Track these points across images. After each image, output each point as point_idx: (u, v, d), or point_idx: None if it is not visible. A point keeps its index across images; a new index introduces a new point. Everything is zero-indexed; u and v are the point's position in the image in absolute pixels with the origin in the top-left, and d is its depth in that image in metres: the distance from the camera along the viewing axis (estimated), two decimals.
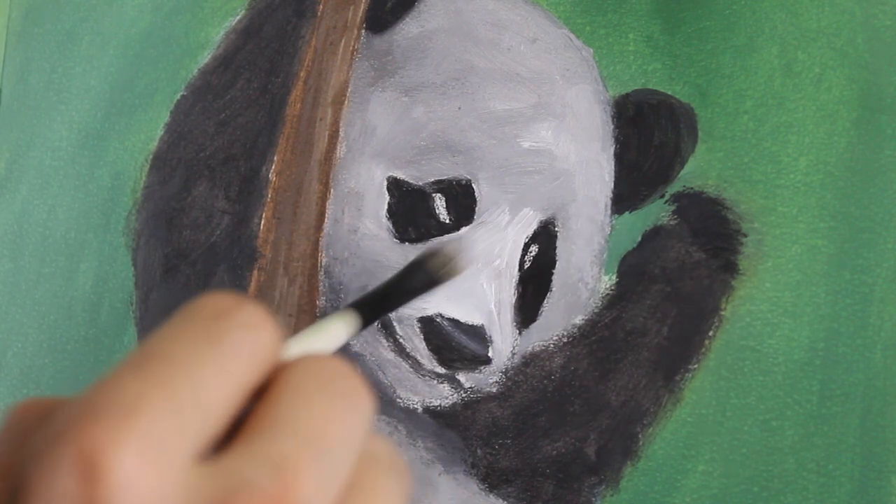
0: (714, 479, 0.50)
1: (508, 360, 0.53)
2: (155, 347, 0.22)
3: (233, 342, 0.22)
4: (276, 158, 0.57)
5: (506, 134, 0.53)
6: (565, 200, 0.53)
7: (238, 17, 0.60)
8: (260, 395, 0.23)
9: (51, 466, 0.20)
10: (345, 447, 0.22)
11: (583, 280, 0.53)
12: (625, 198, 0.54)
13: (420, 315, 0.52)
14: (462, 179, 0.53)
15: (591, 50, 0.55)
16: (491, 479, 0.52)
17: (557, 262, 0.53)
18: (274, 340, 0.23)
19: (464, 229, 0.53)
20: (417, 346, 0.52)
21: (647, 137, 0.53)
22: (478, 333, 0.52)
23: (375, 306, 0.32)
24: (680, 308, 0.52)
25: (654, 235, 0.53)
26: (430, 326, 0.52)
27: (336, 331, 0.29)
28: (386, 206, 0.54)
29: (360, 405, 0.23)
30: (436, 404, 0.53)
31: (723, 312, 0.51)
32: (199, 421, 0.21)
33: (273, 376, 0.23)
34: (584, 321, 0.53)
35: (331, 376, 0.23)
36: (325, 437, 0.22)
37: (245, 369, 0.22)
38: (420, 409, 0.53)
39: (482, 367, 0.52)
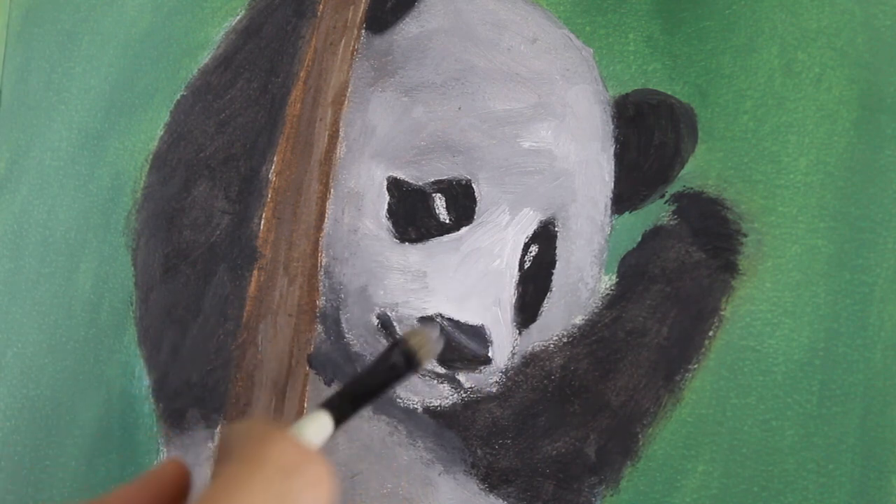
0: (714, 479, 0.50)
1: (508, 360, 0.53)
2: (231, 501, 0.23)
3: (304, 500, 0.24)
4: (276, 158, 0.57)
5: (506, 134, 0.53)
6: (565, 200, 0.53)
7: (238, 17, 0.60)
8: None
9: None
10: None
11: (583, 280, 0.53)
12: (625, 198, 0.54)
13: (420, 315, 0.52)
14: (462, 179, 0.53)
15: (591, 50, 0.55)
16: (491, 479, 0.52)
17: (557, 262, 0.53)
18: (331, 494, 0.25)
19: (464, 229, 0.53)
20: None
21: (647, 137, 0.53)
22: (478, 333, 0.52)
23: (350, 402, 0.32)
24: (680, 308, 0.52)
25: (654, 235, 0.53)
26: (430, 326, 0.52)
27: (314, 431, 0.29)
28: (386, 206, 0.54)
29: None
30: (436, 404, 0.53)
31: (723, 312, 0.51)
32: None
33: None
34: (584, 321, 0.53)
35: None
36: None
37: None
38: (420, 409, 0.53)
39: (482, 367, 0.52)
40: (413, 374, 0.37)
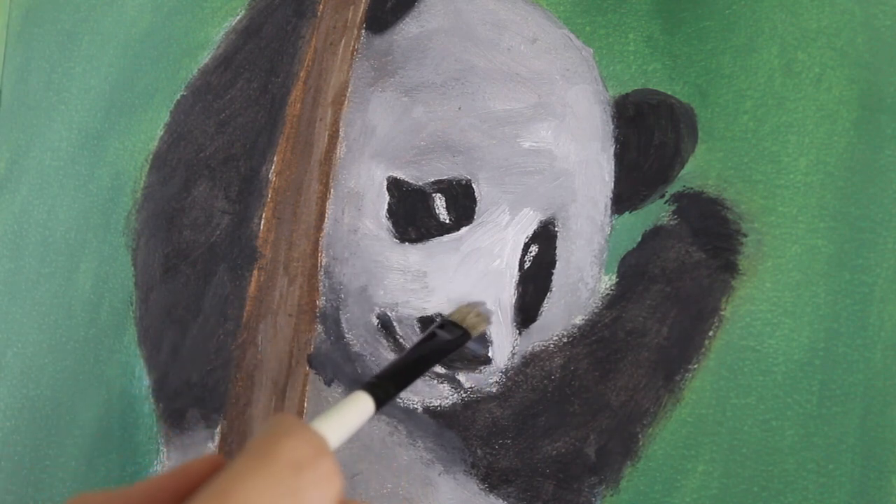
0: (714, 479, 0.50)
1: (508, 360, 0.53)
2: (237, 496, 0.23)
3: (309, 498, 0.24)
4: (276, 158, 0.57)
5: (506, 134, 0.53)
6: (565, 200, 0.53)
7: (238, 17, 0.60)
8: None
9: None
10: None
11: (583, 280, 0.53)
12: (625, 198, 0.54)
13: (420, 315, 0.52)
14: (462, 179, 0.53)
15: (591, 50, 0.55)
16: (491, 479, 0.52)
17: (557, 262, 0.53)
18: (339, 491, 0.25)
19: (464, 229, 0.53)
20: None
21: (647, 137, 0.53)
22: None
23: (391, 379, 0.32)
24: (680, 308, 0.52)
25: (654, 235, 0.53)
26: (430, 326, 0.52)
27: (359, 412, 0.29)
28: (386, 206, 0.54)
29: None
30: (436, 404, 0.53)
31: (723, 312, 0.51)
32: None
33: None
34: (584, 321, 0.53)
35: None
36: None
37: None
38: (420, 409, 0.53)
39: (482, 367, 0.52)
40: (463, 343, 0.36)
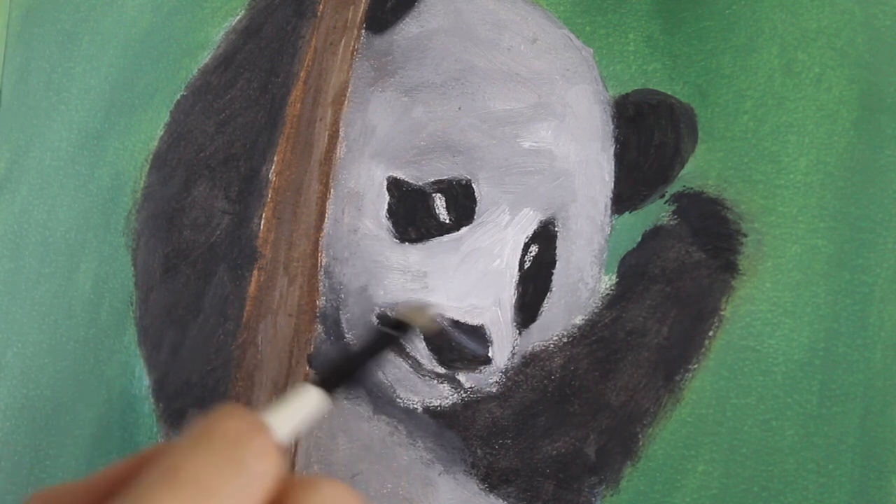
0: (714, 479, 0.50)
1: (508, 360, 0.53)
2: (184, 470, 0.24)
3: (254, 469, 0.25)
4: (276, 158, 0.57)
5: (506, 134, 0.53)
6: (565, 200, 0.53)
7: (238, 17, 0.60)
8: None
9: None
10: None
11: (583, 280, 0.53)
12: (625, 198, 0.54)
13: None
14: (462, 179, 0.53)
15: (591, 50, 0.55)
16: (491, 479, 0.52)
17: (557, 262, 0.53)
18: (280, 462, 0.26)
19: (464, 229, 0.53)
20: (417, 346, 0.52)
21: (647, 137, 0.53)
22: (478, 333, 0.52)
23: (341, 372, 0.33)
24: (680, 308, 0.52)
25: (654, 235, 0.53)
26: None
27: (308, 405, 0.30)
28: (386, 206, 0.54)
29: None
30: (436, 404, 0.53)
31: (723, 312, 0.51)
32: None
33: (297, 492, 0.26)
34: (584, 321, 0.53)
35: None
36: None
37: (261, 493, 0.25)
38: (420, 409, 0.53)
39: (482, 367, 0.52)
40: (401, 337, 0.37)
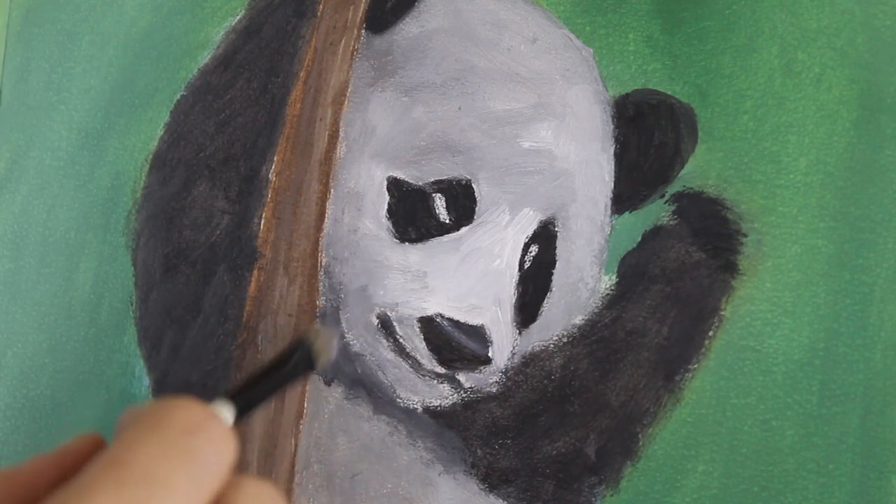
0: (714, 479, 0.50)
1: (508, 360, 0.53)
2: (132, 463, 0.23)
3: (204, 460, 0.24)
4: (276, 158, 0.57)
5: (506, 134, 0.53)
6: (565, 200, 0.53)
7: (238, 17, 0.60)
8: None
9: None
10: None
11: (583, 280, 0.53)
12: (625, 198, 0.54)
13: (420, 315, 0.52)
14: (462, 179, 0.53)
15: (591, 50, 0.55)
16: (491, 479, 0.52)
17: (557, 262, 0.53)
18: (234, 453, 0.25)
19: (464, 229, 0.53)
20: (417, 346, 0.52)
21: (647, 137, 0.53)
22: (478, 333, 0.52)
23: (250, 394, 0.32)
24: (680, 308, 0.52)
25: (654, 235, 0.53)
26: (430, 326, 0.52)
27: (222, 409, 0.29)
28: (386, 206, 0.54)
29: None
30: (436, 404, 0.53)
31: (723, 312, 0.51)
32: None
33: (225, 490, 0.25)
34: (584, 321, 0.53)
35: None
36: None
37: (213, 485, 0.24)
38: (420, 409, 0.53)
39: (482, 367, 0.52)
40: (306, 376, 0.37)
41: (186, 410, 0.25)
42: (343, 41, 0.57)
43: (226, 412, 0.29)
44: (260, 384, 0.33)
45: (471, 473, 0.53)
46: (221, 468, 0.24)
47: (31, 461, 0.26)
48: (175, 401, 0.25)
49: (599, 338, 0.53)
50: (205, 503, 0.24)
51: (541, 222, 0.53)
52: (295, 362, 0.34)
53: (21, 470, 0.25)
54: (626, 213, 0.53)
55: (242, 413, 0.31)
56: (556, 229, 0.53)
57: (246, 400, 0.31)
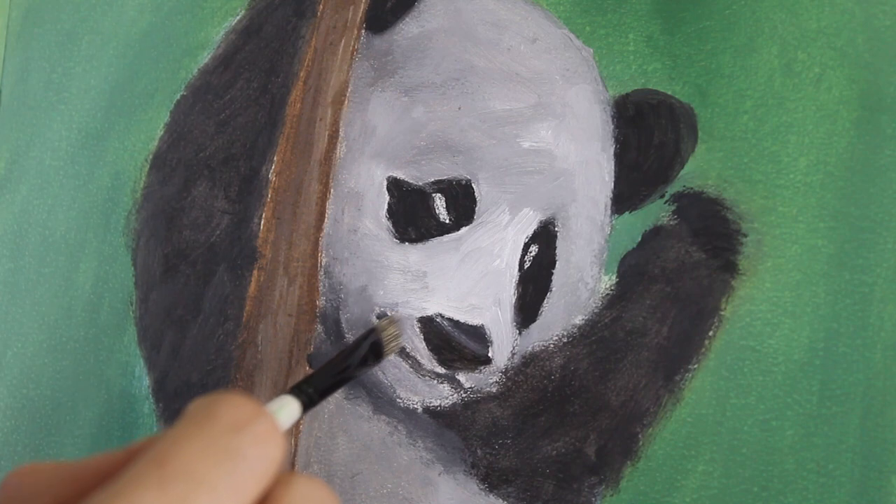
0: (714, 479, 0.50)
1: (508, 360, 0.53)
2: (175, 460, 0.22)
3: (249, 459, 0.23)
4: (276, 158, 0.57)
5: (506, 134, 0.53)
6: (565, 200, 0.53)
7: (238, 17, 0.60)
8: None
9: None
10: None
11: (583, 280, 0.53)
12: (625, 198, 0.54)
13: (420, 315, 0.52)
14: (462, 179, 0.53)
15: (591, 50, 0.55)
16: (491, 479, 0.52)
17: (557, 262, 0.53)
18: (282, 451, 0.24)
19: (464, 229, 0.53)
20: (417, 346, 0.52)
21: (647, 137, 0.53)
22: (478, 333, 0.52)
23: (319, 385, 0.32)
24: (680, 308, 0.52)
25: (654, 235, 0.53)
26: (430, 326, 0.52)
27: (281, 417, 0.29)
28: (386, 206, 0.54)
29: None
30: (436, 404, 0.53)
31: (723, 312, 0.51)
32: None
33: (275, 489, 0.24)
34: (584, 321, 0.53)
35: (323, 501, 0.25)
36: None
37: (259, 485, 0.23)
38: (420, 409, 0.53)
39: (482, 368, 0.52)
40: (375, 366, 0.37)
41: (233, 407, 0.24)
42: (343, 41, 0.57)
43: (285, 407, 0.29)
44: (330, 374, 0.33)
45: (471, 473, 0.53)
46: (267, 466, 0.24)
47: (96, 456, 0.26)
48: (223, 396, 0.24)
49: (599, 338, 0.53)
50: (250, 502, 0.23)
51: (541, 222, 0.53)
52: (365, 351, 0.34)
53: (79, 464, 0.25)
54: (626, 213, 0.53)
55: (312, 404, 0.31)
56: (556, 229, 0.53)
57: (315, 391, 0.31)
